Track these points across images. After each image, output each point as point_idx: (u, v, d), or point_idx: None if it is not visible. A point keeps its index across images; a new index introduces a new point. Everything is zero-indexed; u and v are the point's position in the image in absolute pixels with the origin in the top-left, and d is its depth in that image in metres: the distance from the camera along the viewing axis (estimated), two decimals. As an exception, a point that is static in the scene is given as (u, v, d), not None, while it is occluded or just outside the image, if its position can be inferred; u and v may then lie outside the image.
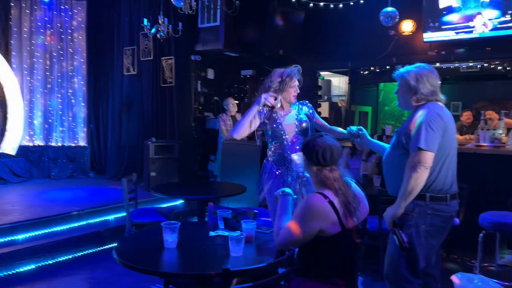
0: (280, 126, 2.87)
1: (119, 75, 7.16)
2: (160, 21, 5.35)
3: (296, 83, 2.95)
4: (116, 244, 2.18)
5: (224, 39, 6.04)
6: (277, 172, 2.85)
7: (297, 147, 2.84)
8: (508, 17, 4.88)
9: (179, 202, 5.55)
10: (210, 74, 7.11)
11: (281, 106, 2.91)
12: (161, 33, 5.39)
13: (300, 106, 3.00)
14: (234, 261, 1.92)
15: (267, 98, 2.81)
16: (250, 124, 2.82)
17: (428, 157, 2.11)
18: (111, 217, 4.84)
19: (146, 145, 6.13)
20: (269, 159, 2.92)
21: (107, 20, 7.25)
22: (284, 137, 2.87)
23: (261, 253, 2.08)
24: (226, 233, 2.19)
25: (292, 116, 2.93)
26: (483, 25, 5.08)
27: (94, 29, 7.32)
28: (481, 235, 3.26)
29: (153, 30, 5.43)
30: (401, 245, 2.18)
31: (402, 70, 2.35)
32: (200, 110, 7.01)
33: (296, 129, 2.89)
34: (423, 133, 2.12)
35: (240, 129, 2.81)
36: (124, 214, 4.59)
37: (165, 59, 6.58)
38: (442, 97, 2.30)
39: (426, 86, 2.25)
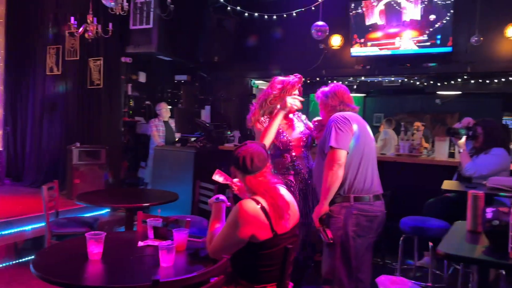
0: (286, 138, 2.72)
1: (41, 74, 6.69)
2: (89, 20, 5.10)
3: (297, 92, 2.85)
4: (33, 257, 2.01)
5: (157, 42, 5.90)
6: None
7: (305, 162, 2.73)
8: (425, 37, 5.32)
9: (105, 211, 5.29)
10: (142, 77, 6.90)
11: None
12: (90, 33, 5.13)
13: (297, 117, 2.89)
14: (164, 271, 1.86)
15: (293, 102, 2.66)
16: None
17: (340, 155, 2.30)
18: (28, 227, 4.48)
19: (69, 150, 5.77)
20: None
21: (29, 16, 6.74)
22: (292, 152, 2.73)
23: (192, 263, 2.04)
24: (156, 243, 2.12)
25: (297, 129, 2.82)
26: (404, 43, 5.49)
27: (14, 25, 6.78)
28: (401, 239, 3.48)
29: (81, 29, 5.16)
30: (325, 241, 2.32)
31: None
32: (131, 114, 6.77)
33: (302, 143, 2.77)
34: (333, 134, 2.33)
35: (271, 137, 2.65)
36: (42, 224, 4.27)
37: (93, 59, 6.27)
38: (353, 107, 2.57)
39: (334, 99, 2.56)
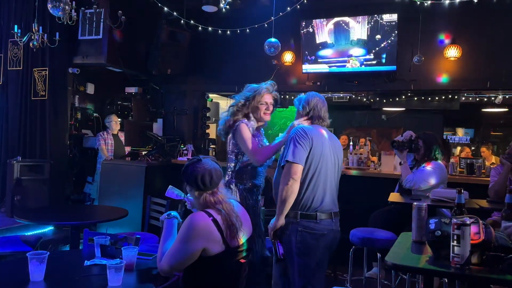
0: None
1: (-20, 84, 6.28)
2: (34, 29, 4.88)
3: (268, 99, 2.77)
4: (-34, 281, 1.86)
5: (107, 53, 5.75)
6: (249, 202, 2.67)
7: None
8: (372, 56, 5.59)
9: (49, 229, 5.00)
10: (90, 89, 6.67)
11: (254, 126, 2.75)
12: (34, 42, 4.90)
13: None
14: (113, 291, 1.79)
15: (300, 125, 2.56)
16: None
17: (296, 169, 2.30)
18: (-40, 248, 4.12)
19: (10, 164, 5.42)
20: (239, 185, 2.69)
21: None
22: (262, 165, 2.71)
23: (143, 281, 1.98)
24: (104, 262, 2.03)
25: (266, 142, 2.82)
26: (352, 61, 5.72)
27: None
28: (351, 250, 3.57)
29: (25, 38, 4.92)
30: (276, 256, 2.31)
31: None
32: (77, 127, 6.50)
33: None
34: (291, 147, 2.33)
35: (268, 156, 2.66)
36: (-22, 244, 3.95)
37: (37, 70, 5.97)
38: (325, 120, 2.57)
39: (305, 108, 2.55)
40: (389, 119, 9.03)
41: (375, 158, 5.56)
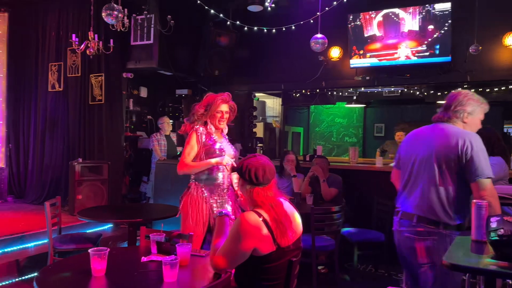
0: (222, 152, 2.95)
1: (44, 91, 6.73)
2: (90, 37, 5.15)
3: (223, 108, 3.02)
4: (37, 274, 2.00)
5: (158, 57, 5.95)
6: (211, 200, 2.93)
7: (229, 176, 2.96)
8: (424, 47, 5.36)
9: (108, 226, 5.27)
10: (143, 92, 6.94)
11: (212, 131, 3.00)
12: (91, 50, 5.18)
13: (228, 141, 3.15)
14: (168, 287, 1.85)
15: (229, 163, 2.89)
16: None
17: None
18: (30, 244, 4.45)
19: (72, 166, 5.78)
20: (201, 184, 2.96)
21: (31, 34, 6.81)
22: (220, 166, 2.93)
23: (197, 278, 2.03)
24: (160, 258, 2.11)
25: (228, 143, 3.10)
26: (403, 53, 5.52)
27: (17, 43, 6.85)
28: (405, 249, 3.44)
29: (82, 46, 5.21)
30: None
31: None
32: (132, 129, 6.79)
33: (233, 159, 2.99)
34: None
35: (186, 171, 2.95)
36: (45, 240, 4.25)
37: (94, 76, 6.32)
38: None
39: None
40: (444, 113, 8.62)
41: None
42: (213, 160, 2.91)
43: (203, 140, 2.95)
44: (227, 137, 3.18)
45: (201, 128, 2.98)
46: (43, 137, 6.71)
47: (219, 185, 2.97)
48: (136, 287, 1.93)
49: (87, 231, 4.71)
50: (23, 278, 4.00)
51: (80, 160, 5.87)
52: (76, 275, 2.01)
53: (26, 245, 4.42)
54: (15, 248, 4.31)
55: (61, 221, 3.85)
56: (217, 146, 2.98)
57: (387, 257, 3.99)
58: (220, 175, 2.98)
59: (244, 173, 2.01)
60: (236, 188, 2.29)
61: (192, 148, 2.95)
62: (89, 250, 1.95)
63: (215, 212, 2.81)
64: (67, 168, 6.00)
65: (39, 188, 6.62)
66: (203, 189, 2.95)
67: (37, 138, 6.77)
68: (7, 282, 3.89)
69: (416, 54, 5.45)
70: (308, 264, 3.58)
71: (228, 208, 2.93)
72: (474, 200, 2.04)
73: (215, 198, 2.95)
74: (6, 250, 4.23)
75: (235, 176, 2.35)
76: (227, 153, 2.98)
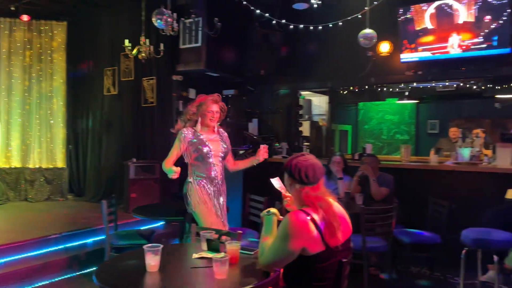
0: (208, 148, 3.24)
1: (100, 95, 7.09)
2: (141, 42, 5.36)
3: (213, 108, 3.26)
4: (95, 268, 2.11)
5: (206, 59, 6.07)
6: (209, 191, 3.25)
7: (221, 167, 3.33)
8: (480, 39, 5.08)
9: (160, 223, 5.45)
10: (192, 94, 7.10)
11: (203, 130, 3.28)
12: (143, 54, 5.39)
13: (222, 134, 3.41)
14: (219, 284, 1.89)
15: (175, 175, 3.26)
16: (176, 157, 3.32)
17: None
18: (89, 240, 4.71)
19: (126, 166, 6.04)
20: (196, 179, 3.31)
21: (87, 41, 7.20)
22: (210, 159, 3.26)
23: (246, 275, 2.05)
24: (210, 255, 2.16)
25: (218, 141, 3.34)
26: (458, 46, 5.26)
27: (74, 50, 7.27)
28: (463, 252, 3.29)
29: (135, 51, 5.42)
30: None
31: None
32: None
33: (221, 154, 3.31)
34: None
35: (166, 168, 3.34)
36: (103, 237, 4.47)
37: (146, 79, 6.56)
38: None
39: None
40: (504, 107, 8.09)
41: (488, 152, 5.04)
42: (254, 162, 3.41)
43: (190, 139, 3.26)
44: (224, 133, 3.44)
45: (186, 131, 3.28)
46: (99, 138, 7.07)
47: (214, 178, 3.29)
48: (188, 283, 1.98)
49: (141, 228, 4.91)
50: (83, 272, 4.23)
51: (134, 160, 6.12)
52: (132, 270, 2.09)
53: (85, 241, 4.68)
54: (75, 243, 4.58)
55: (117, 218, 4.04)
56: (203, 142, 3.27)
57: (443, 260, 3.82)
58: (214, 169, 3.29)
59: (294, 172, 2.00)
60: (281, 190, 2.27)
61: (175, 148, 3.32)
62: (144, 247, 2.03)
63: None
64: (122, 168, 6.28)
65: (96, 186, 6.98)
66: (202, 182, 3.28)
67: (94, 139, 7.14)
68: (69, 276, 4.13)
69: (472, 47, 5.16)
70: (359, 265, 3.51)
71: (221, 199, 3.32)
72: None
73: (212, 188, 3.29)
74: (67, 245, 4.50)
75: (274, 182, 2.32)
76: (213, 149, 3.26)
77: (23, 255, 4.07)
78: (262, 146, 3.38)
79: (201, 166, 3.30)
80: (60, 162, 7.17)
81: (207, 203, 3.24)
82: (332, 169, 4.48)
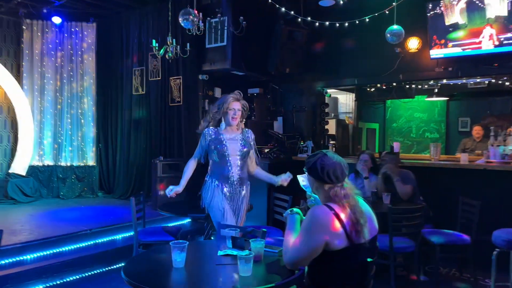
0: (225, 148, 3.25)
1: (128, 95, 7.25)
2: (168, 42, 5.44)
3: (235, 106, 3.25)
4: (124, 264, 2.16)
5: (231, 58, 6.10)
6: (224, 189, 3.28)
7: (239, 168, 3.29)
8: (514, 33, 4.89)
9: (186, 221, 5.52)
10: (217, 93, 7.16)
11: (226, 129, 3.30)
12: (170, 54, 5.47)
13: (246, 133, 3.39)
14: (244, 281, 1.90)
15: (171, 193, 3.44)
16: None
17: None
18: (118, 236, 4.83)
19: (154, 163, 6.15)
20: (211, 178, 3.36)
21: (116, 42, 7.38)
22: (226, 159, 3.25)
23: (270, 273, 2.06)
24: (235, 252, 2.17)
25: (237, 140, 3.31)
26: (490, 41, 5.09)
27: (104, 51, 7.46)
28: (494, 253, 3.19)
29: (162, 51, 5.51)
30: None
31: None
32: (208, 129, 7.03)
33: (239, 153, 3.28)
34: None
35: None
36: (131, 233, 4.57)
37: (173, 79, 6.65)
38: None
39: None
40: (540, 104, 7.78)
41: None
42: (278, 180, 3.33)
43: (210, 138, 3.29)
44: (250, 133, 3.42)
45: (208, 131, 3.32)
46: (128, 137, 7.23)
47: (229, 178, 3.28)
48: (213, 279, 2.01)
49: (168, 225, 4.99)
50: (112, 267, 4.34)
51: (161, 158, 6.23)
52: (159, 266, 2.14)
53: (115, 237, 4.80)
54: (105, 239, 4.70)
55: (145, 215, 4.12)
56: (221, 141, 3.28)
57: (473, 261, 3.71)
58: (231, 169, 3.28)
59: (322, 174, 1.98)
60: (305, 190, 2.27)
61: (199, 148, 3.41)
62: (170, 243, 2.06)
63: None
64: (150, 166, 6.40)
65: (125, 184, 7.15)
66: (217, 181, 3.31)
67: (123, 137, 7.31)
68: (99, 271, 4.25)
69: (505, 42, 4.97)
70: (386, 265, 3.45)
71: (238, 200, 3.31)
72: None
73: (228, 188, 3.29)
74: (97, 241, 4.62)
75: (301, 179, 2.32)
76: (230, 148, 3.26)
77: (54, 250, 4.22)
78: (288, 174, 3.29)
79: (218, 165, 3.32)
80: (90, 160, 7.38)
81: (220, 203, 3.25)
82: (358, 167, 4.42)
